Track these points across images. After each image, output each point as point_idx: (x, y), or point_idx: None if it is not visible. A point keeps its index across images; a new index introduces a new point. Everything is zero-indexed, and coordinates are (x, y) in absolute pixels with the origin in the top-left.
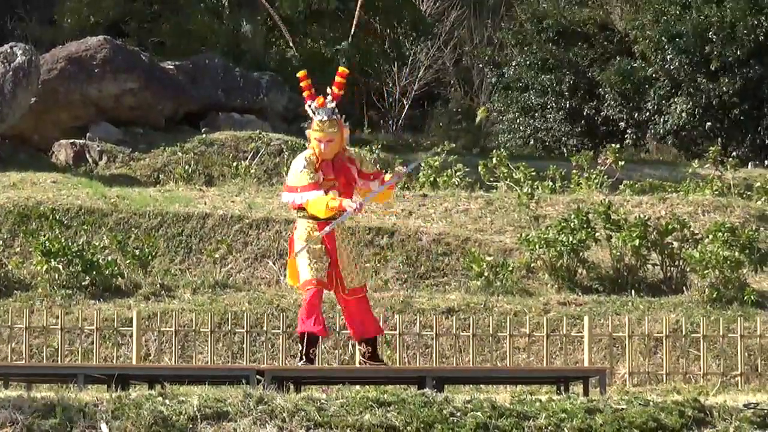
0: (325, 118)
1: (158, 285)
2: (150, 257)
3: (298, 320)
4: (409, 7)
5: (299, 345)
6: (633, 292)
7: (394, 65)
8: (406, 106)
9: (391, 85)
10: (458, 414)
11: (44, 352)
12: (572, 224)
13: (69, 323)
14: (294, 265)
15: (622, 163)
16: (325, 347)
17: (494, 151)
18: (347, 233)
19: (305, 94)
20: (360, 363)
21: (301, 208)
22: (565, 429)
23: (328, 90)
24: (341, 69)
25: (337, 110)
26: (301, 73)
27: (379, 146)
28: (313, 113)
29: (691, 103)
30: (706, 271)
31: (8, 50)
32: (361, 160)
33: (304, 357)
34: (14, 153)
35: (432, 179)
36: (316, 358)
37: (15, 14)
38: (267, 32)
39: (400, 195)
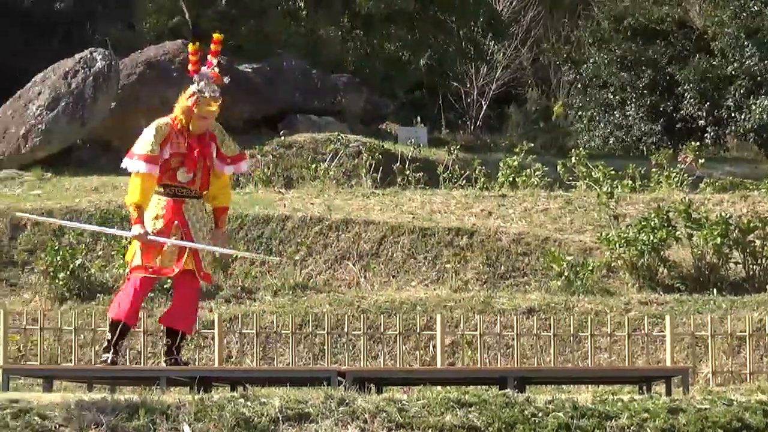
0: (217, 93)
1: (239, 287)
2: (230, 259)
3: (112, 305)
4: (485, 7)
5: (108, 333)
6: (715, 290)
7: (472, 66)
8: (484, 106)
9: (468, 85)
10: (540, 414)
11: (127, 355)
12: (653, 223)
13: (151, 326)
14: (133, 244)
15: (703, 160)
16: (405, 348)
17: (573, 150)
18: (202, 211)
19: (192, 68)
20: (165, 362)
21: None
22: (648, 429)
23: (212, 60)
24: (217, 36)
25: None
26: (191, 47)
27: (458, 147)
28: (205, 86)
29: None
30: None
31: (88, 55)
32: (222, 139)
33: (112, 348)
34: (95, 157)
35: (511, 179)
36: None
37: (94, 19)
38: (344, 34)
39: (480, 195)
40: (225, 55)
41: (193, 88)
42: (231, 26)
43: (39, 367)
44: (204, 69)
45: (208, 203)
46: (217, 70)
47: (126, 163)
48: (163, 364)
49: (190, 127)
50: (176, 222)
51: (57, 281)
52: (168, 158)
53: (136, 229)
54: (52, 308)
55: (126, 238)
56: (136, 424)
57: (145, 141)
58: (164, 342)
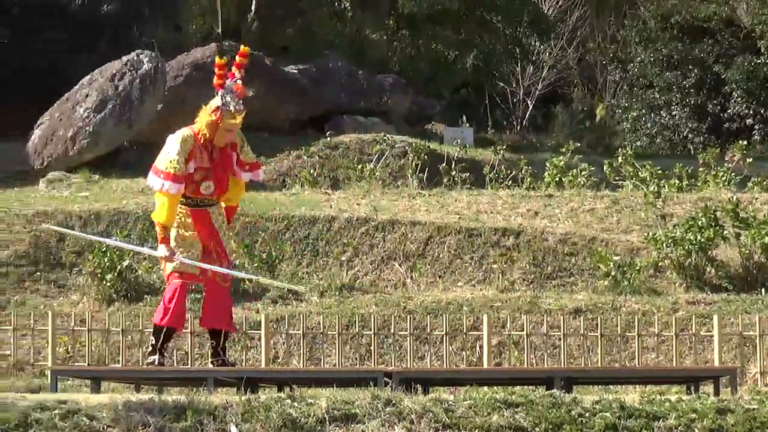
0: (241, 106)
1: (286, 288)
2: (277, 261)
3: (156, 311)
4: (531, 7)
5: (153, 338)
6: (763, 290)
7: (518, 65)
8: (530, 106)
9: (515, 85)
10: (587, 415)
11: (174, 356)
12: (700, 222)
13: (198, 327)
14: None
15: (750, 160)
16: (452, 348)
17: (619, 149)
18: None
19: (218, 82)
20: (212, 363)
21: None
22: (696, 429)
23: (236, 72)
24: (244, 49)
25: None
26: (219, 61)
27: (504, 147)
28: (230, 100)
29: None
30: None
31: (135, 58)
32: (242, 146)
33: (157, 351)
34: (142, 159)
35: (557, 179)
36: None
37: (141, 22)
38: (390, 34)
39: (526, 195)
40: (271, 57)
41: (217, 102)
42: (277, 28)
43: (87, 369)
44: (228, 82)
45: (221, 202)
46: (240, 82)
47: (151, 180)
48: (211, 366)
49: (214, 141)
50: (199, 233)
51: (104, 283)
52: (192, 172)
53: (162, 250)
54: (99, 310)
55: None
56: (184, 425)
57: (171, 158)
58: (210, 344)
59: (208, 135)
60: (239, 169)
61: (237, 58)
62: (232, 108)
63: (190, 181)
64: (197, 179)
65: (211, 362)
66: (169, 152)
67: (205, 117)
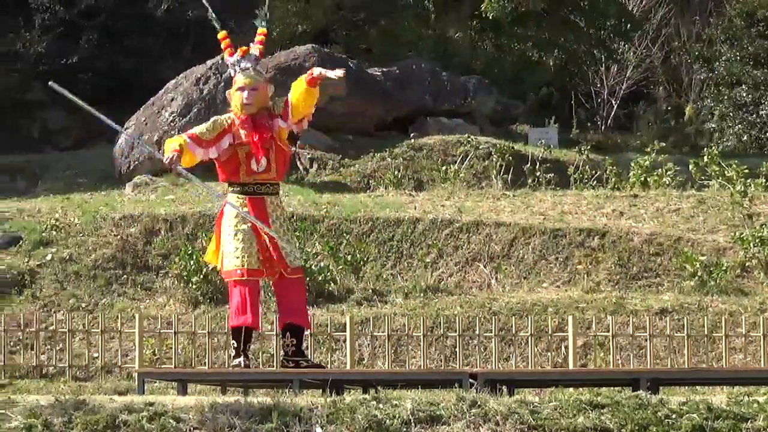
0: (249, 66)
1: (370, 290)
2: (362, 262)
3: (230, 313)
4: (615, 5)
5: (233, 341)
6: None
7: (602, 65)
8: (615, 106)
9: (599, 85)
10: (673, 416)
11: (260, 358)
12: None
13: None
14: (217, 244)
15: None
16: (537, 349)
17: (705, 149)
18: (281, 209)
19: (226, 52)
20: (283, 363)
21: (229, 182)
22: None
23: (251, 45)
24: (261, 29)
25: (260, 67)
26: (221, 34)
27: (588, 147)
28: (236, 66)
29: None
30: None
31: (219, 62)
32: (276, 106)
33: (241, 354)
34: None
35: (642, 179)
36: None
37: (225, 26)
38: (474, 35)
39: (611, 195)
40: (355, 59)
41: (231, 72)
42: (361, 30)
43: (173, 371)
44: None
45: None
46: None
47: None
48: (289, 365)
49: (247, 112)
50: (261, 219)
51: (191, 285)
52: (233, 153)
53: (168, 154)
54: (186, 312)
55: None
56: (269, 427)
57: (200, 127)
58: (286, 343)
59: (238, 109)
60: (282, 120)
61: (258, 36)
62: (237, 68)
63: (236, 164)
64: (242, 157)
65: (297, 363)
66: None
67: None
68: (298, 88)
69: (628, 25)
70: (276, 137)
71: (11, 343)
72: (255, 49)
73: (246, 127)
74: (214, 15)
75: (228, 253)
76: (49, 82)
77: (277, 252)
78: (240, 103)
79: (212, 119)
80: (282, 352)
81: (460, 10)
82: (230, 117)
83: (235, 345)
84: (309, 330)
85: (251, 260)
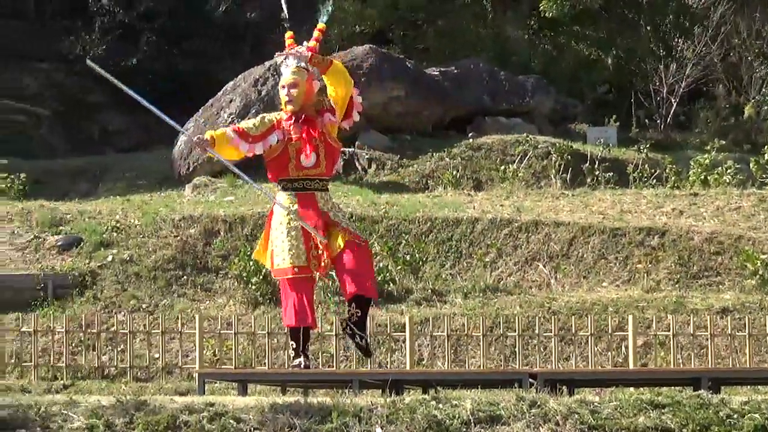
0: (292, 63)
1: (429, 290)
2: (421, 263)
3: (283, 314)
4: (674, 2)
5: (292, 342)
6: None
7: (661, 63)
8: (674, 104)
9: (658, 83)
10: (735, 416)
11: (320, 358)
12: None
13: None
14: (266, 243)
15: None
16: (597, 349)
17: (766, 146)
18: (330, 200)
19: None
20: (342, 325)
21: (277, 180)
22: None
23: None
24: (320, 25)
25: (307, 64)
26: (288, 34)
27: (647, 146)
28: (282, 63)
29: None
30: None
31: (277, 62)
32: (326, 101)
33: (300, 354)
34: None
35: (702, 177)
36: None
37: (283, 27)
38: (532, 34)
39: (671, 194)
40: (413, 59)
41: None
42: (418, 30)
43: (234, 371)
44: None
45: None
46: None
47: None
48: (350, 342)
49: (287, 109)
50: (305, 219)
51: (250, 286)
52: (282, 149)
53: (197, 138)
54: (245, 313)
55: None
56: (329, 427)
57: (247, 122)
58: (351, 312)
59: (283, 106)
60: (332, 118)
61: (315, 32)
62: (283, 66)
63: (286, 159)
64: (291, 153)
65: (349, 329)
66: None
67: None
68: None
69: (687, 21)
70: (325, 132)
71: (73, 344)
72: (306, 44)
73: (294, 123)
74: (286, 14)
75: (278, 252)
76: (87, 60)
77: (326, 246)
78: (284, 101)
79: (260, 116)
80: (343, 318)
81: (519, 10)
82: (279, 114)
83: (294, 345)
84: (375, 299)
85: (301, 258)
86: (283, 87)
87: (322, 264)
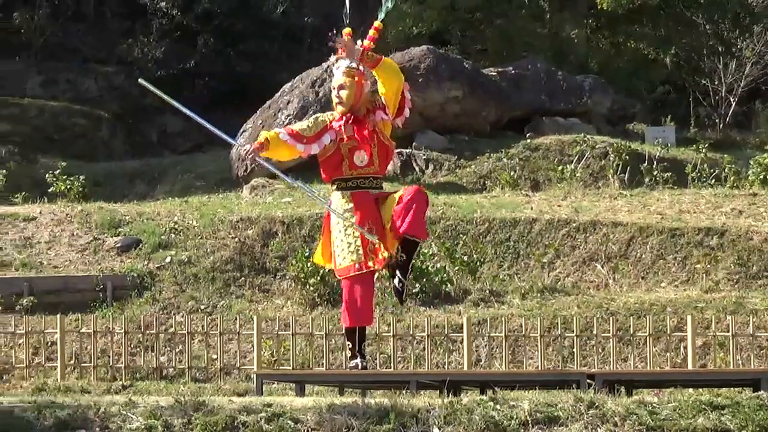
0: (343, 64)
1: (487, 291)
2: (478, 263)
3: (342, 314)
4: (734, 0)
5: (348, 342)
6: None
7: (720, 62)
8: (733, 103)
9: (716, 82)
10: None
11: (377, 359)
12: None
13: (401, 330)
14: (328, 244)
15: None
16: (656, 350)
17: None
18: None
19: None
20: (386, 264)
21: (332, 180)
22: None
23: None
24: (377, 23)
25: (358, 63)
26: (346, 30)
27: (706, 145)
28: (335, 65)
29: None
30: None
31: (332, 63)
32: (378, 99)
33: (357, 354)
34: None
35: (762, 177)
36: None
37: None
38: (589, 33)
39: (730, 194)
40: (470, 60)
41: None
42: (476, 30)
43: (291, 372)
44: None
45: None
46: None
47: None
48: (396, 280)
49: (339, 109)
50: (360, 216)
51: (308, 287)
52: (335, 149)
53: (249, 144)
54: (303, 314)
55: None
56: (387, 428)
57: (300, 123)
58: (398, 253)
59: (335, 106)
60: (385, 116)
61: (371, 32)
62: (335, 68)
63: (340, 159)
64: (345, 152)
65: (392, 270)
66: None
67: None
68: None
69: (747, 19)
70: (378, 131)
71: (132, 345)
72: (361, 43)
73: (345, 122)
74: (348, 10)
75: (339, 252)
76: (139, 79)
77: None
78: (334, 102)
79: (314, 116)
80: (388, 257)
81: (576, 8)
82: (331, 114)
83: (351, 346)
84: (424, 240)
85: (359, 255)
86: (333, 89)
87: (380, 258)
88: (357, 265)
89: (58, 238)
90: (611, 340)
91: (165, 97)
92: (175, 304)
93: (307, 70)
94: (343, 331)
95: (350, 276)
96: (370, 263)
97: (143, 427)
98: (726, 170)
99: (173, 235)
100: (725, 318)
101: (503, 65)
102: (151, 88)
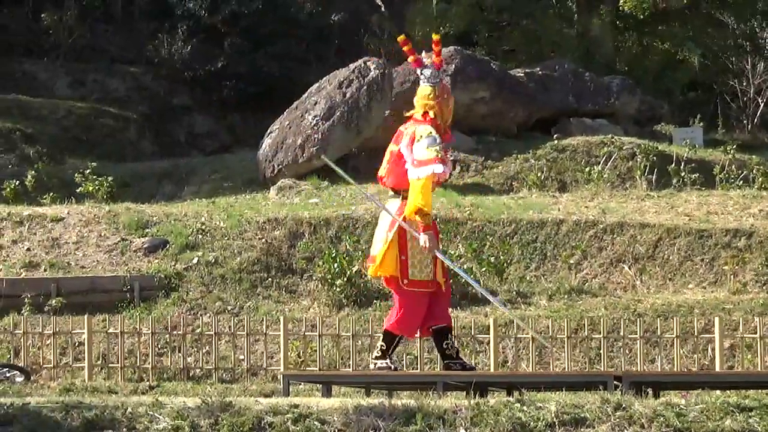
0: (428, 81)
1: (514, 292)
2: (505, 264)
3: (390, 316)
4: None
5: (383, 343)
6: None
7: (748, 62)
8: (761, 104)
9: (745, 83)
10: None
11: (404, 360)
12: None
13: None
14: (393, 256)
15: None
16: (683, 351)
17: None
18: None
19: (411, 58)
20: (448, 366)
21: (398, 191)
22: None
23: (425, 55)
24: (435, 36)
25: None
26: (400, 38)
27: (734, 146)
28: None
29: None
30: None
31: (362, 65)
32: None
33: (387, 357)
34: (370, 165)
35: None
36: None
37: (368, 29)
38: (617, 35)
39: (758, 195)
40: (498, 61)
41: (431, 80)
42: (503, 31)
43: (318, 373)
44: (426, 60)
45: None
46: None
47: (416, 173)
48: (448, 369)
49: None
50: (436, 231)
51: (334, 288)
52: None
53: (426, 238)
54: (330, 315)
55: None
56: (413, 429)
57: (435, 145)
58: (449, 344)
59: (442, 118)
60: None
61: (434, 47)
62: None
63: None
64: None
65: (452, 364)
66: (433, 139)
67: (429, 101)
68: None
69: None
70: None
71: (159, 346)
72: (432, 58)
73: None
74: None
75: (415, 263)
76: (322, 156)
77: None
78: (449, 115)
79: (434, 129)
80: (442, 355)
81: (603, 9)
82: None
83: (384, 347)
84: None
85: (429, 271)
86: (436, 98)
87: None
88: (429, 284)
89: (85, 238)
90: (638, 341)
91: (343, 174)
92: (202, 305)
93: (334, 71)
94: (382, 332)
95: (417, 291)
96: (439, 279)
97: (170, 427)
98: (754, 171)
99: (200, 236)
100: (753, 320)
101: (530, 66)
102: (333, 165)
